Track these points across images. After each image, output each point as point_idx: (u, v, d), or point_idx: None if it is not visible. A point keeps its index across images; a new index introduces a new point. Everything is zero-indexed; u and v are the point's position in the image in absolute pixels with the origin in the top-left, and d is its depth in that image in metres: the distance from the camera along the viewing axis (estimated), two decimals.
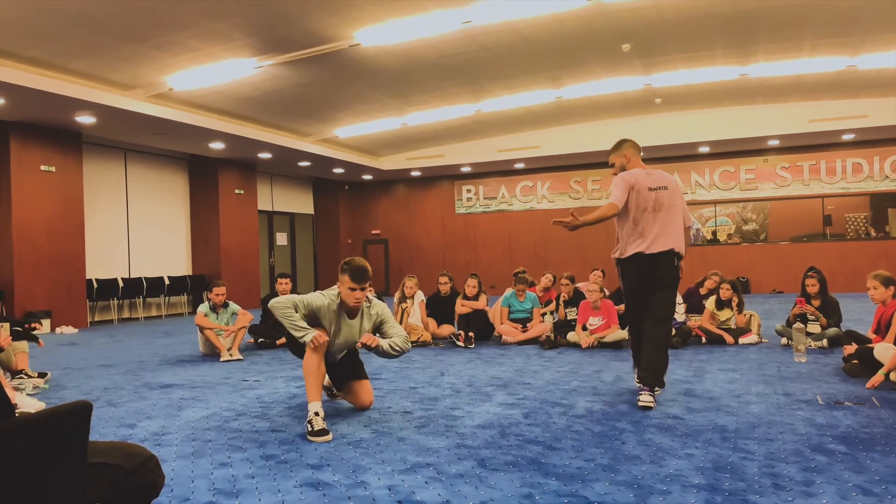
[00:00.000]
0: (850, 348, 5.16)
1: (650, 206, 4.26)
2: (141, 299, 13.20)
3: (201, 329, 7.17)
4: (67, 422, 1.36)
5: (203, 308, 7.25)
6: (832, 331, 6.42)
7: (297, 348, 4.18)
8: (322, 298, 4.02)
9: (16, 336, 5.67)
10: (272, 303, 3.97)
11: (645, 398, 4.10)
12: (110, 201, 12.95)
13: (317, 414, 3.68)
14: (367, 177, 18.24)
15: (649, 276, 4.26)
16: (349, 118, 13.26)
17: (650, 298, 4.29)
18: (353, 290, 3.93)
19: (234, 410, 4.42)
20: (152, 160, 13.92)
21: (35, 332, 5.84)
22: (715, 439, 3.40)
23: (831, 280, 7.39)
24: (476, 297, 7.81)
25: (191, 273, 14.59)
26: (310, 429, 3.64)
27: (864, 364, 4.91)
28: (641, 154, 4.66)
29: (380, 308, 4.22)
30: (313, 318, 4.03)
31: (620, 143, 4.61)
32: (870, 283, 5.11)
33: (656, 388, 4.29)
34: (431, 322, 8.00)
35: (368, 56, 9.52)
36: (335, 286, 4.09)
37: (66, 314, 11.20)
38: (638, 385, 4.35)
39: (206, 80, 9.83)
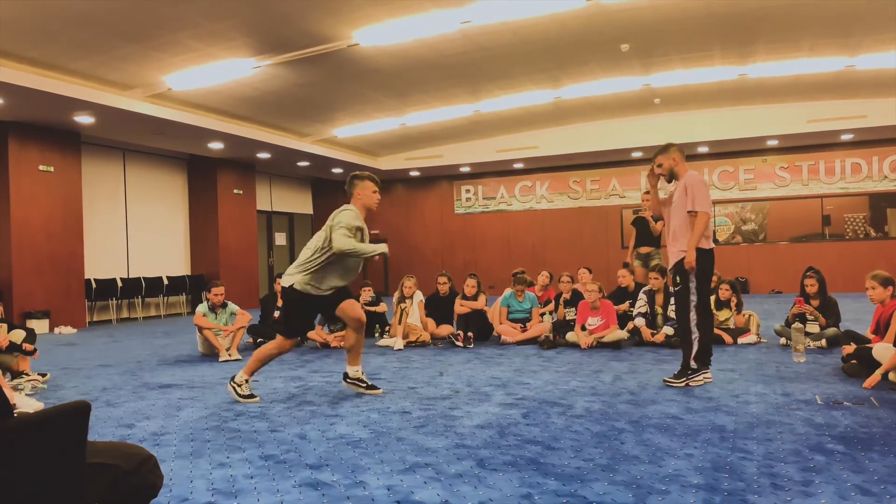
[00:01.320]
0: (849, 348, 5.16)
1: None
2: (140, 299, 13.19)
3: (200, 329, 7.17)
4: (66, 422, 1.36)
5: (202, 308, 7.25)
6: (831, 331, 6.42)
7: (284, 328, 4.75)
8: (354, 215, 4.65)
9: (12, 347, 5.66)
10: (341, 246, 4.45)
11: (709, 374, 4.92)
12: (109, 201, 12.93)
13: (246, 381, 4.67)
14: None
15: (712, 267, 4.93)
16: (348, 118, 13.26)
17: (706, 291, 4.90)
18: (375, 192, 4.83)
19: (233, 410, 4.42)
20: (151, 160, 13.91)
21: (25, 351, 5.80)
22: (714, 439, 3.41)
23: (830, 280, 7.39)
24: (475, 298, 7.81)
25: (189, 273, 14.58)
26: (241, 392, 4.61)
27: (863, 364, 4.91)
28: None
29: None
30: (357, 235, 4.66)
31: (668, 147, 4.97)
32: (868, 283, 5.12)
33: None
34: (430, 322, 8.00)
35: (367, 56, 9.52)
36: (346, 207, 4.71)
37: (64, 314, 11.19)
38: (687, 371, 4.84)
39: (204, 80, 9.82)
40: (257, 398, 4.65)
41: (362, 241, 4.68)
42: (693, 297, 4.76)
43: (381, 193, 5.02)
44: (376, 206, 4.87)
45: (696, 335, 4.77)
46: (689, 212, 4.75)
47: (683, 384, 4.74)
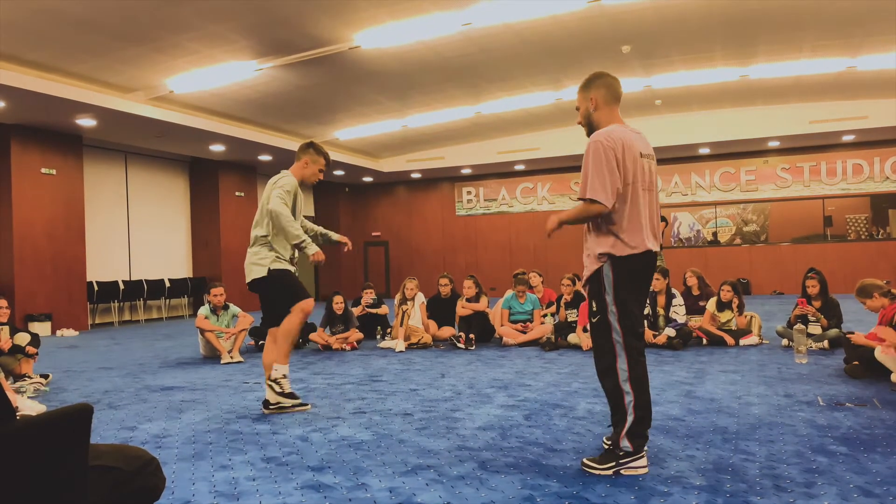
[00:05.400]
0: (856, 337, 5.14)
1: (646, 181, 3.00)
2: (141, 302, 13.21)
3: (202, 331, 7.18)
4: (68, 425, 1.36)
5: (204, 310, 7.27)
6: (833, 332, 6.41)
7: (277, 316, 4.41)
8: (292, 180, 4.44)
9: (14, 349, 5.69)
10: (276, 212, 4.23)
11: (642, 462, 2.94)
12: (111, 204, 12.96)
13: (284, 376, 4.31)
14: (368, 179, 18.24)
15: (647, 283, 3.10)
16: (349, 120, 13.27)
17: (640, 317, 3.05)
18: (322, 171, 4.60)
19: (235, 412, 4.42)
20: (153, 163, 13.94)
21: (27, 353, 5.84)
22: (716, 441, 3.40)
23: (832, 281, 7.39)
24: (475, 299, 7.80)
25: (191, 275, 14.59)
26: (280, 389, 4.26)
27: (865, 366, 4.91)
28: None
29: None
30: (297, 200, 4.50)
31: (592, 80, 3.19)
32: (858, 300, 5.16)
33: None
34: (432, 324, 8.00)
35: (368, 58, 9.53)
36: (286, 173, 4.48)
37: (66, 317, 11.20)
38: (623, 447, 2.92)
39: (206, 82, 9.85)
40: (309, 406, 4.36)
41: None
42: (617, 336, 2.93)
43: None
44: (313, 183, 4.67)
45: (629, 397, 2.91)
46: (579, 198, 2.97)
47: (612, 472, 2.89)
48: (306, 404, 4.41)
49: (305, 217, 4.68)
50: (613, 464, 2.91)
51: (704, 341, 7.03)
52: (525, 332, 7.59)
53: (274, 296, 4.41)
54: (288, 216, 4.24)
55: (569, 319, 7.61)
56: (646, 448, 2.98)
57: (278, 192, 4.28)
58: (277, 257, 4.33)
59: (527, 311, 7.80)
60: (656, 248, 3.02)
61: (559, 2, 7.91)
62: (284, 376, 4.32)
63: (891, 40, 9.61)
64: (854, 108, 13.12)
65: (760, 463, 3.01)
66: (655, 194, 3.08)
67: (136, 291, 12.96)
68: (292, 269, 4.41)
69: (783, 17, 8.77)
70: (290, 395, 4.33)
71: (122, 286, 12.66)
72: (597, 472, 2.92)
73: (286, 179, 4.41)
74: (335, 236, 4.81)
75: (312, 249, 4.26)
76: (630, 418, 2.90)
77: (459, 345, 7.39)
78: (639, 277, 3.00)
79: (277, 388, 4.28)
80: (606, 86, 3.12)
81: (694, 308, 7.49)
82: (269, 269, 4.29)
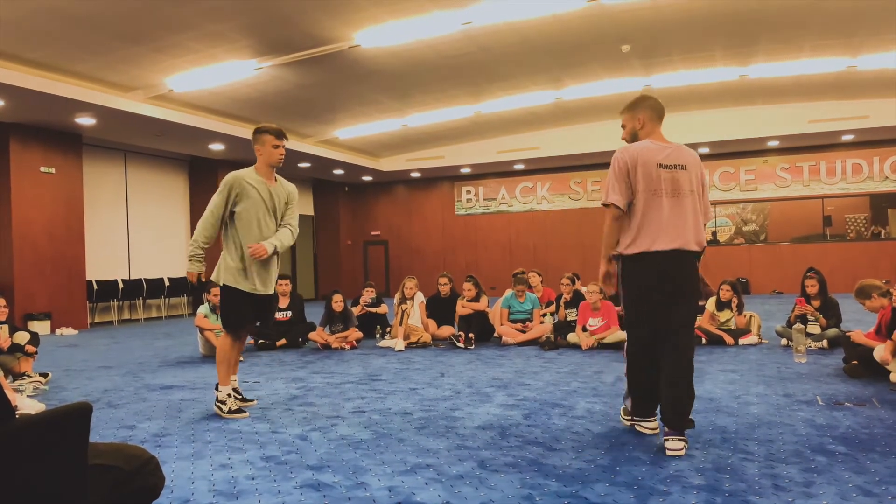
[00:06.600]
0: (856, 336, 5.14)
1: (668, 189, 3.31)
2: (141, 301, 13.20)
3: (201, 330, 7.19)
4: (68, 423, 1.36)
5: (203, 309, 7.27)
6: (832, 331, 6.42)
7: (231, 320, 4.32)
8: (230, 176, 4.31)
9: (14, 348, 5.71)
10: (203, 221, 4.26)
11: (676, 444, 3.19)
12: (110, 203, 12.95)
13: (229, 395, 4.27)
14: (367, 178, 18.24)
15: (664, 279, 3.31)
16: (349, 119, 13.27)
17: (666, 312, 3.33)
18: (276, 147, 4.33)
19: None
20: (152, 161, 13.93)
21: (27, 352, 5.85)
22: (715, 440, 3.40)
23: (831, 281, 7.39)
24: (475, 299, 7.80)
25: None
26: (226, 409, 4.20)
27: (865, 365, 4.92)
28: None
29: (291, 189, 4.52)
30: (242, 196, 4.29)
31: (637, 102, 3.54)
32: (857, 301, 5.16)
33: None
34: (431, 323, 8.00)
35: (368, 57, 9.53)
36: (248, 169, 4.38)
37: (66, 316, 11.19)
38: (633, 427, 3.59)
39: (206, 81, 9.84)
40: (246, 413, 4.26)
41: (255, 215, 4.30)
42: (622, 321, 3.61)
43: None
44: (280, 161, 4.38)
45: (624, 365, 3.58)
46: (602, 204, 3.46)
47: (629, 424, 3.66)
48: (245, 412, 4.29)
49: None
50: (630, 419, 3.64)
51: (703, 341, 7.03)
52: (524, 332, 7.59)
53: (222, 306, 4.37)
54: (206, 218, 4.26)
55: (568, 319, 7.61)
56: (657, 415, 3.46)
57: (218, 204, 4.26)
58: (237, 269, 4.21)
59: (526, 311, 7.80)
60: (677, 246, 3.29)
61: (559, 1, 7.91)
62: (228, 396, 4.27)
63: (891, 40, 9.60)
64: (854, 107, 13.12)
65: (759, 462, 3.02)
66: (687, 199, 3.34)
67: (136, 290, 12.96)
68: (244, 287, 4.20)
69: (783, 16, 8.77)
70: (238, 410, 4.26)
71: (121, 285, 12.65)
72: (621, 418, 3.72)
73: (226, 178, 4.32)
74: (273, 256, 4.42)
75: (191, 268, 4.20)
76: (628, 382, 3.57)
77: (459, 344, 7.39)
78: (652, 274, 3.31)
79: (225, 409, 4.23)
80: (651, 107, 3.50)
81: None
82: (223, 285, 4.23)
